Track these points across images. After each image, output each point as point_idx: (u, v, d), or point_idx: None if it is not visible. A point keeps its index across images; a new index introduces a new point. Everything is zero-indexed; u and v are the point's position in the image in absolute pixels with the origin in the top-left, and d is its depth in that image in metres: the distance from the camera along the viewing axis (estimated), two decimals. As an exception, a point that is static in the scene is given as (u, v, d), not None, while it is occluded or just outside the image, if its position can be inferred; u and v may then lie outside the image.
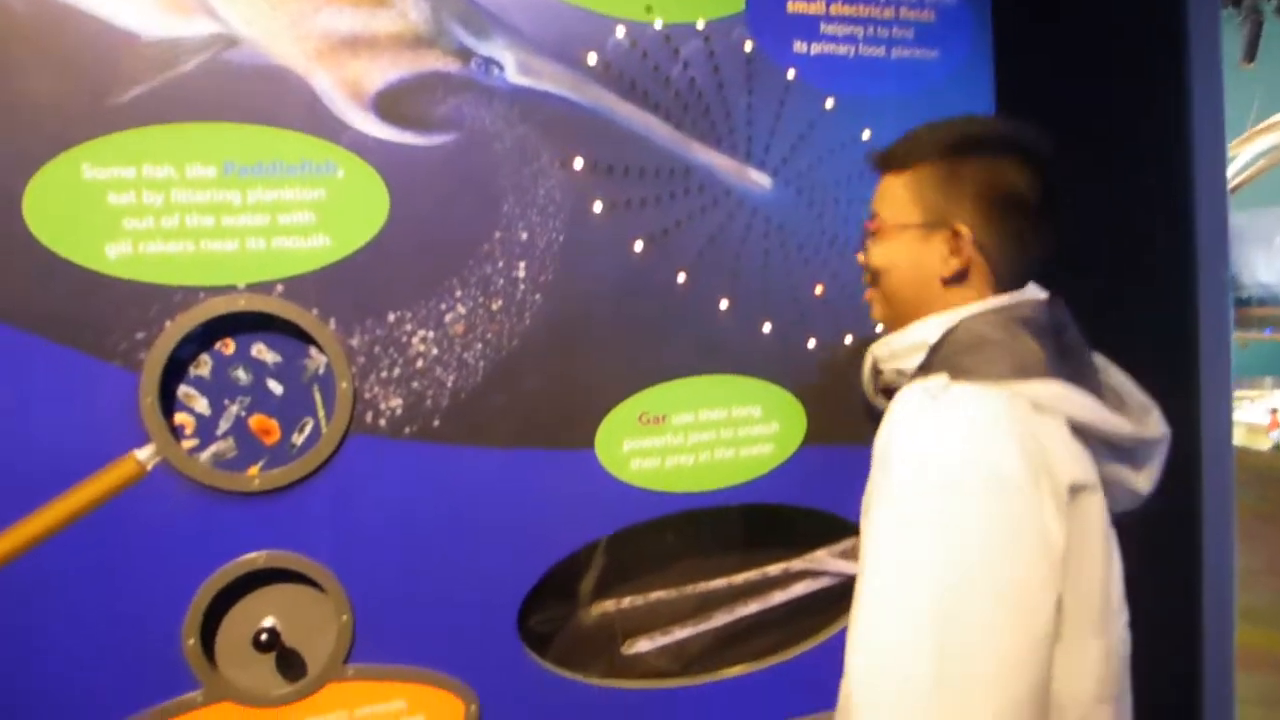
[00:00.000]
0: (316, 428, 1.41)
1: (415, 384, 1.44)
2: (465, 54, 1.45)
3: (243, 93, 1.35)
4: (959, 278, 1.12)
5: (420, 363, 1.44)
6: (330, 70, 1.39)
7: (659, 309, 1.58)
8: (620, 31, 1.54)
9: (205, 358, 1.36)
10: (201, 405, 1.36)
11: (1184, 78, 1.86)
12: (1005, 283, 1.13)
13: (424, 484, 1.45)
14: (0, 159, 1.25)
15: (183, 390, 1.35)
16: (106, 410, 1.31)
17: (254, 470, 1.38)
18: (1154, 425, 1.11)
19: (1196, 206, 1.86)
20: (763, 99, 1.64)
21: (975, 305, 1.10)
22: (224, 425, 1.37)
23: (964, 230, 1.10)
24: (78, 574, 1.31)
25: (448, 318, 1.45)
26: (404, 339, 1.43)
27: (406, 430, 1.44)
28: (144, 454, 1.32)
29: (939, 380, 1.03)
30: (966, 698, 0.87)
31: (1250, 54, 5.06)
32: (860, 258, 1.27)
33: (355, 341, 1.41)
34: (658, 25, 1.56)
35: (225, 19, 1.34)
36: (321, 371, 1.41)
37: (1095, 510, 0.99)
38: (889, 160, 1.21)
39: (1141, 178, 1.93)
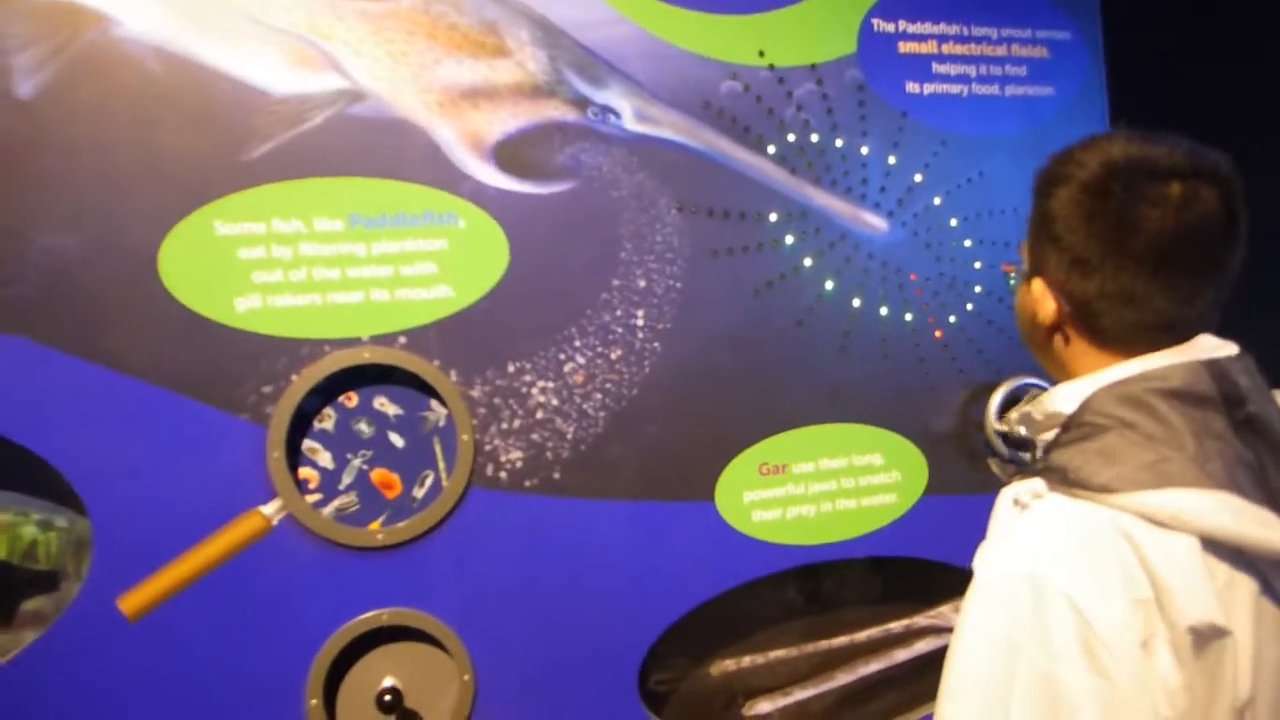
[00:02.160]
0: (437, 480, 1.39)
1: (535, 435, 1.42)
2: (583, 103, 1.45)
3: (367, 146, 1.36)
4: (1059, 330, 0.93)
5: (540, 413, 1.42)
6: (451, 122, 1.39)
7: (777, 356, 1.54)
8: (734, 76, 1.52)
9: (329, 411, 1.36)
10: (325, 459, 1.35)
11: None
12: (1126, 335, 0.90)
13: (544, 538, 1.41)
14: (138, 215, 1.27)
15: (307, 444, 1.35)
16: (235, 463, 1.30)
17: (376, 525, 1.36)
18: None
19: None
20: (877, 140, 1.61)
21: (1117, 370, 0.89)
22: (347, 479, 1.36)
23: (1040, 283, 0.92)
24: (204, 628, 1.29)
25: (567, 367, 1.43)
26: (524, 389, 1.41)
27: (527, 483, 1.41)
28: (270, 509, 1.31)
29: (1032, 487, 0.86)
30: None
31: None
32: None
33: (476, 393, 1.39)
34: (771, 68, 1.55)
35: (351, 74, 1.35)
36: (442, 424, 1.39)
37: (1234, 655, 0.78)
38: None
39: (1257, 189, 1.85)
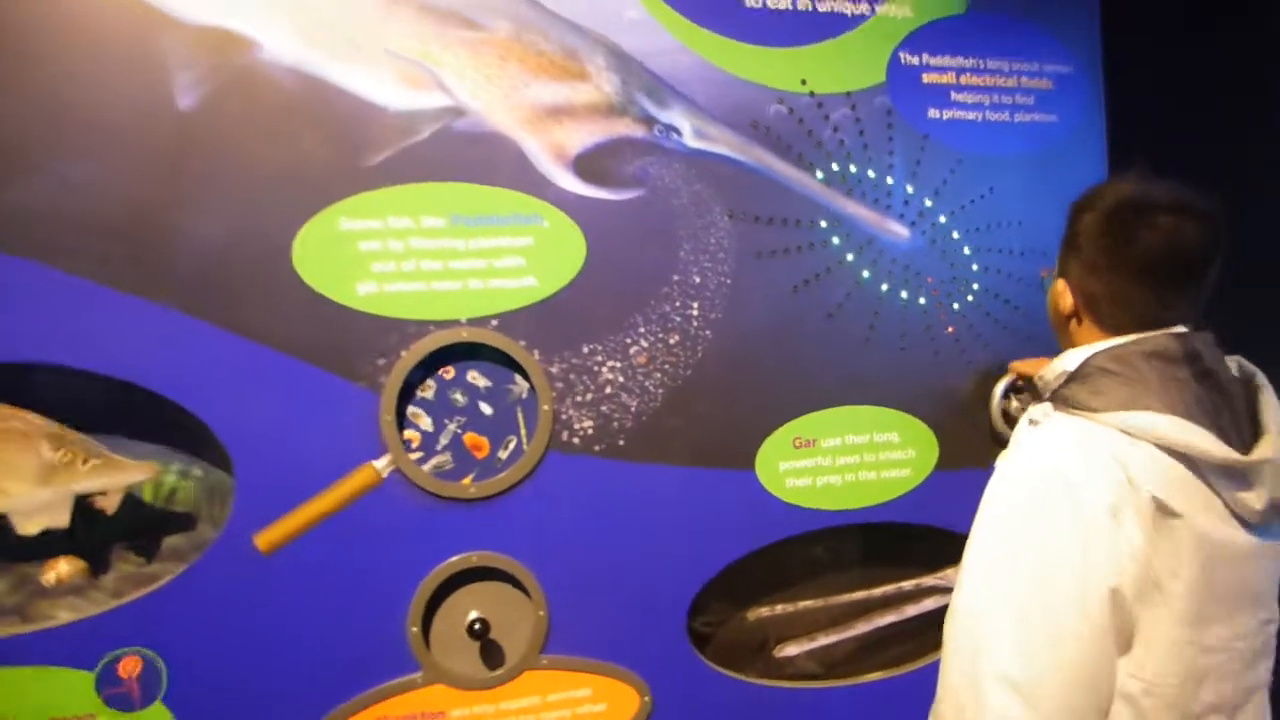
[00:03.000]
0: (519, 445, 1.61)
1: (604, 407, 1.64)
2: (650, 121, 1.67)
3: (467, 155, 1.58)
4: (1075, 317, 1.25)
5: (609, 389, 1.64)
6: (538, 136, 1.62)
7: (811, 345, 1.76)
8: (779, 101, 1.75)
9: (430, 381, 1.58)
10: (426, 423, 1.58)
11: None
12: (1120, 324, 1.20)
13: (610, 496, 1.64)
14: (276, 211, 1.50)
15: (411, 410, 1.57)
16: (352, 424, 1.53)
17: (467, 481, 1.59)
18: (1266, 449, 1.16)
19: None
20: (902, 158, 1.83)
21: (1110, 341, 1.20)
22: (443, 441, 1.59)
23: (1063, 282, 1.25)
24: (324, 564, 1.52)
25: (632, 350, 1.66)
26: (595, 368, 1.64)
27: (596, 448, 1.64)
28: (381, 464, 1.54)
29: (1043, 409, 1.19)
30: (1033, 651, 1.02)
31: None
32: None
33: (555, 369, 1.62)
34: (811, 95, 1.77)
35: (454, 93, 1.58)
36: (525, 396, 1.62)
37: (1187, 535, 1.08)
38: None
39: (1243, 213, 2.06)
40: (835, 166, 1.79)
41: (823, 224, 1.77)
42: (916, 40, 1.86)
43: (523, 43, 1.61)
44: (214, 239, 1.47)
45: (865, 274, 1.80)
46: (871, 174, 1.81)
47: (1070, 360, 1.23)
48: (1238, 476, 1.15)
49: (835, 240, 1.79)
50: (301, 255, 1.50)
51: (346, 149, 1.53)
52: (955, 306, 1.86)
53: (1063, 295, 1.25)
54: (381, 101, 1.54)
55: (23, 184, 1.40)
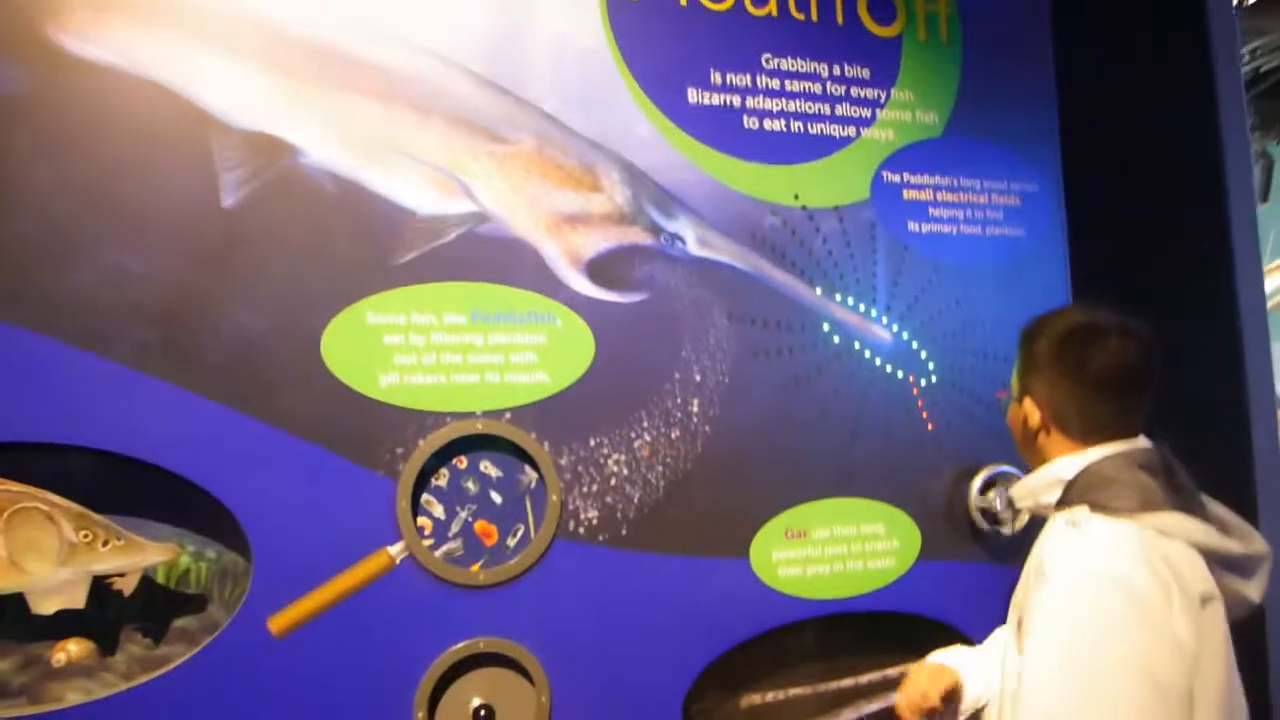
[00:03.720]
0: (526, 533, 1.68)
1: (609, 498, 1.72)
2: (657, 230, 1.80)
3: (489, 257, 1.69)
4: (1044, 430, 1.41)
5: (613, 480, 1.73)
6: (556, 241, 1.73)
7: (803, 439, 1.87)
8: (774, 213, 1.89)
9: (444, 470, 1.65)
10: (438, 510, 1.64)
11: (1225, 222, 2.17)
12: (1088, 434, 1.38)
13: (613, 584, 1.71)
14: (308, 303, 1.58)
15: (425, 497, 1.64)
16: (369, 509, 1.59)
17: (476, 567, 1.64)
18: (1258, 543, 1.35)
19: (1244, 339, 2.14)
20: (884, 267, 1.98)
21: (1090, 451, 1.36)
22: (455, 528, 1.65)
23: (1029, 400, 1.42)
24: (335, 647, 1.55)
25: (636, 443, 1.75)
26: (601, 460, 1.72)
27: (600, 537, 1.71)
28: (395, 549, 1.59)
29: (1081, 512, 1.29)
30: None
31: (1265, 194, 5.56)
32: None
33: (564, 461, 1.70)
34: (803, 208, 1.92)
35: (480, 200, 1.69)
36: (534, 486, 1.69)
37: (1219, 615, 1.25)
38: None
39: (1190, 316, 2.23)
40: (824, 274, 1.93)
41: (814, 327, 1.90)
42: (898, 160, 2.03)
43: (545, 156, 1.74)
44: (248, 329, 1.55)
45: (851, 374, 1.93)
46: (857, 281, 1.95)
47: (1064, 469, 1.38)
48: (1243, 569, 1.34)
49: (825, 342, 1.91)
50: (330, 347, 1.58)
51: (377, 248, 1.62)
52: (934, 404, 1.99)
53: (1031, 412, 1.42)
54: (412, 205, 1.65)
55: (68, 270, 1.47)
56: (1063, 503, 1.36)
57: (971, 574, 1.99)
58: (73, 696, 1.48)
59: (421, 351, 1.64)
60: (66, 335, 1.47)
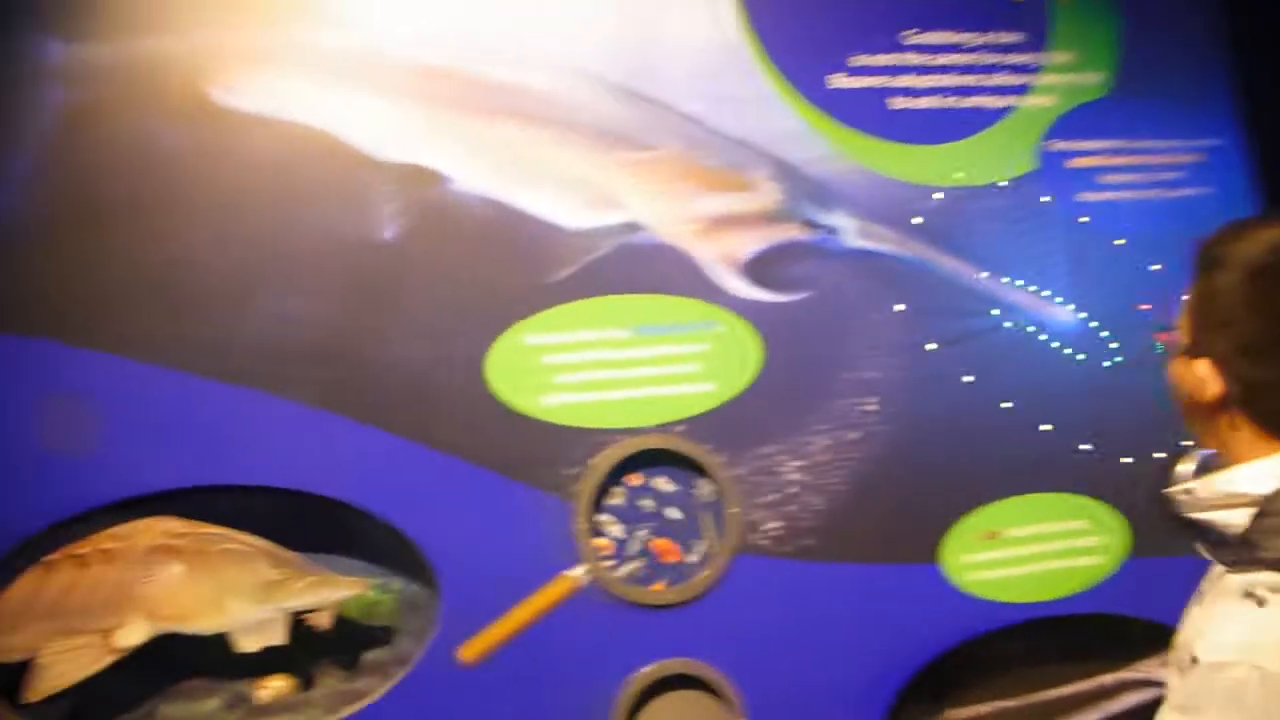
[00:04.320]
0: (708, 549, 1.62)
1: (790, 507, 1.64)
2: (812, 224, 1.72)
3: (644, 268, 1.64)
4: (1223, 410, 0.91)
5: (792, 489, 1.65)
6: (709, 245, 1.67)
7: (989, 433, 1.75)
8: (936, 196, 1.78)
9: (618, 489, 1.61)
10: (617, 530, 1.60)
11: None
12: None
13: (801, 597, 1.63)
14: (470, 330, 1.57)
15: (601, 517, 1.60)
16: (545, 533, 1.56)
17: (660, 586, 1.59)
18: None
19: None
20: (1057, 243, 1.84)
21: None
22: (634, 547, 1.60)
23: (1206, 364, 0.91)
24: (524, 676, 1.53)
25: (813, 448, 1.66)
26: (778, 468, 1.65)
27: (785, 549, 1.63)
28: (577, 573, 1.56)
29: (1268, 581, 0.82)
30: None
31: None
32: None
33: (740, 471, 1.63)
34: (964, 188, 1.80)
35: (630, 210, 1.65)
36: (711, 499, 1.63)
37: None
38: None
39: None
40: (992, 255, 1.80)
41: (988, 313, 1.78)
42: (1062, 127, 1.88)
43: (690, 159, 1.69)
44: (414, 360, 1.55)
45: (1032, 360, 1.79)
46: (1028, 260, 1.82)
47: (1249, 480, 0.87)
48: None
49: (1001, 329, 1.78)
50: (493, 371, 1.57)
51: (532, 268, 1.60)
52: (1129, 385, 1.83)
53: (1207, 382, 0.90)
54: (562, 222, 1.63)
55: (244, 319, 1.51)
56: (1248, 541, 0.85)
57: (1195, 570, 1.81)
58: (279, 734, 1.50)
59: (584, 369, 1.60)
60: (243, 379, 1.50)
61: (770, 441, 1.65)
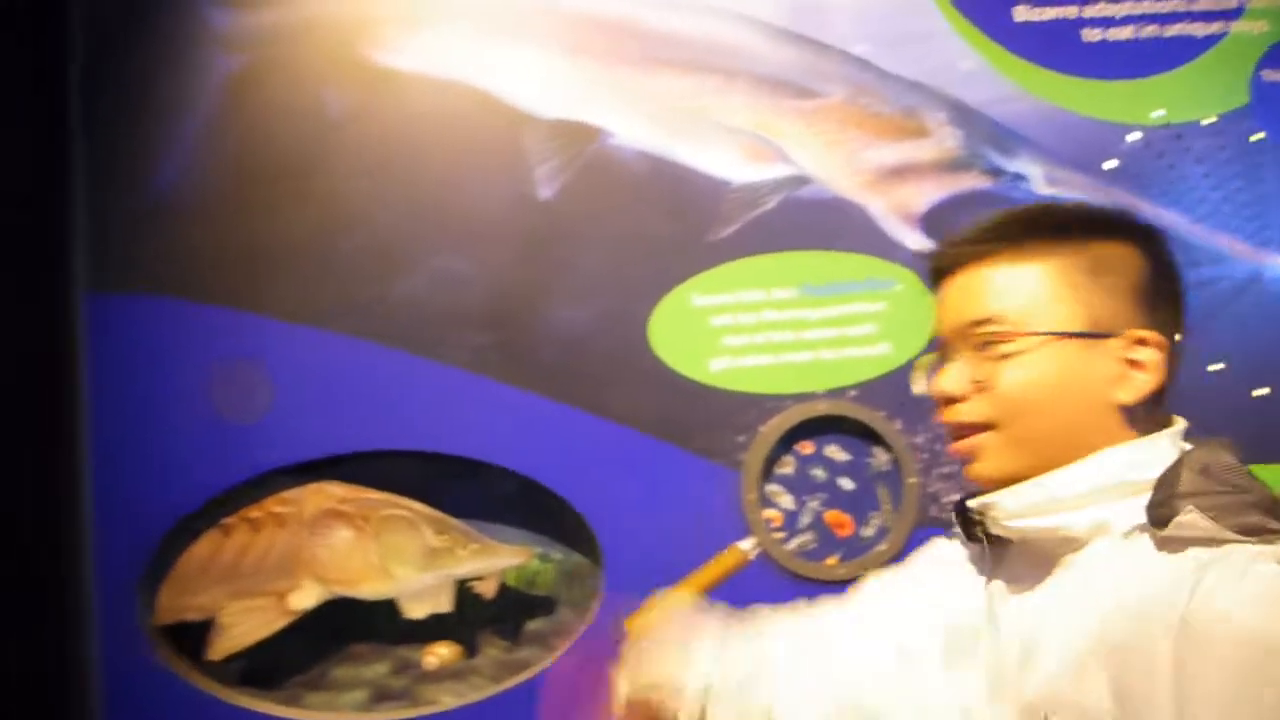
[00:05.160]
0: (884, 521, 1.52)
1: (972, 479, 1.52)
2: (996, 172, 1.57)
3: (812, 223, 1.54)
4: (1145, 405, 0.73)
5: (976, 458, 1.52)
6: (883, 198, 1.55)
7: (1206, 397, 1.56)
8: (1134, 136, 1.61)
9: (788, 458, 1.52)
10: (787, 501, 1.52)
11: None
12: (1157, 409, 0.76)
13: (985, 576, 1.50)
14: (632, 291, 1.51)
15: (770, 488, 1.51)
16: (712, 503, 1.49)
17: (833, 560, 1.50)
18: None
19: None
20: (1276, 186, 1.63)
21: (1168, 433, 0.73)
22: (805, 519, 1.51)
23: (1151, 336, 0.73)
24: (690, 653, 1.47)
25: (998, 415, 1.53)
26: (960, 436, 1.52)
27: (967, 523, 1.51)
28: (747, 545, 1.48)
29: (1228, 549, 0.64)
30: None
31: None
32: (933, 387, 0.80)
33: (918, 440, 1.52)
34: (1167, 126, 1.62)
35: (796, 162, 1.55)
36: (887, 469, 1.52)
37: None
38: (996, 242, 0.76)
39: None
40: (1202, 200, 1.61)
41: (1198, 265, 1.60)
42: (1278, 55, 1.67)
43: (859, 106, 1.57)
44: (576, 323, 1.50)
45: (1255, 315, 1.60)
46: (1244, 205, 1.62)
47: (1142, 463, 0.71)
48: None
49: (1213, 281, 1.60)
50: (657, 334, 1.50)
51: (695, 225, 1.52)
52: (1362, 348, 1.62)
53: (1149, 369, 0.72)
54: (725, 176, 1.54)
55: (405, 282, 1.49)
56: (1160, 513, 0.67)
57: None
58: (447, 699, 1.49)
59: (751, 331, 1.52)
60: (404, 343, 1.48)
61: (952, 408, 1.52)
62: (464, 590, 1.49)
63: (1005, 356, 0.72)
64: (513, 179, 1.51)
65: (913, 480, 1.50)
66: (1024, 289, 0.74)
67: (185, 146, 1.51)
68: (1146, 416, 0.73)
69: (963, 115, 1.58)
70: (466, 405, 1.49)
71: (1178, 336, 0.75)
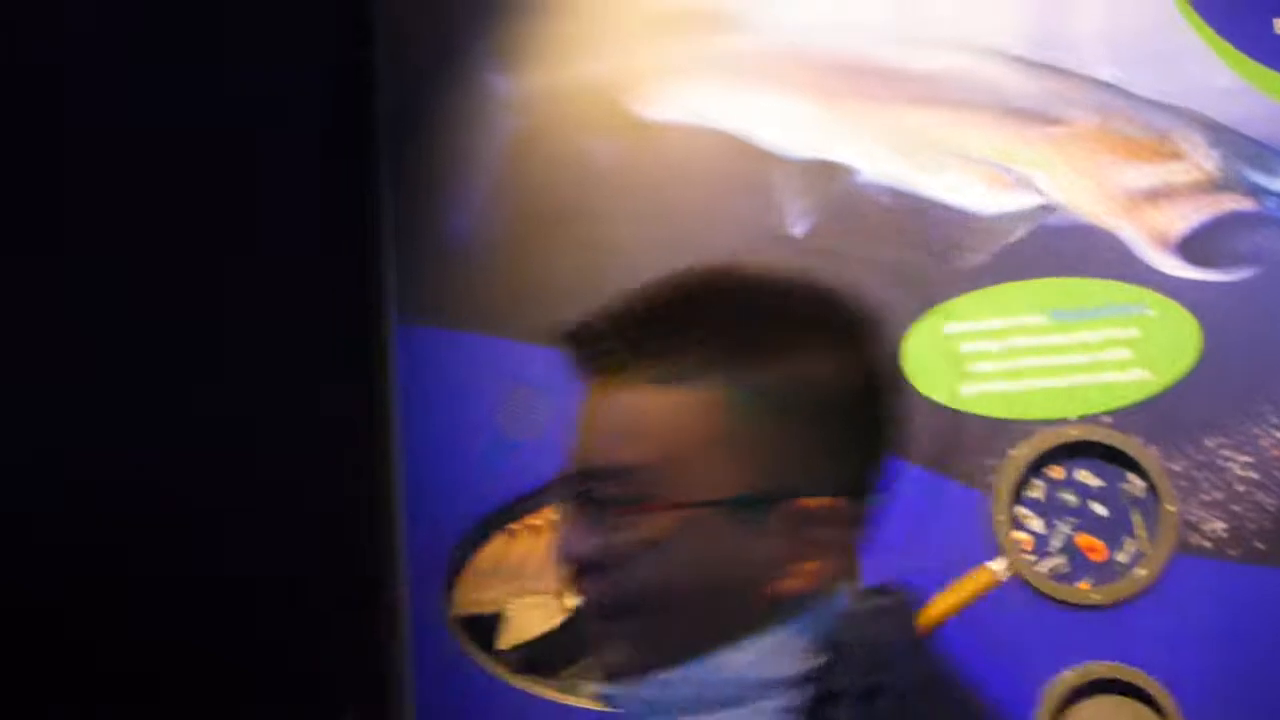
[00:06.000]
0: (1140, 547, 1.52)
1: (1235, 507, 1.50)
2: (1257, 192, 1.54)
3: (1062, 250, 1.57)
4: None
5: (1240, 486, 1.50)
6: (1135, 223, 1.56)
7: None
8: None
9: (1038, 481, 1.56)
10: (1037, 524, 1.55)
11: None
12: None
13: (1249, 606, 1.48)
14: (882, 319, 1.58)
15: (1020, 510, 1.55)
16: (961, 525, 1.55)
17: (1086, 585, 1.52)
18: None
19: None
20: None
21: (831, 606, 0.54)
22: (1056, 542, 1.55)
23: (825, 504, 0.53)
24: (940, 667, 1.53)
25: (1264, 442, 1.50)
26: (1222, 463, 1.51)
27: (1230, 552, 1.50)
28: (998, 567, 1.53)
29: None
30: None
31: None
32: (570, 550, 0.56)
33: (1176, 467, 1.51)
34: None
35: (1045, 190, 1.58)
36: (1142, 495, 1.53)
37: None
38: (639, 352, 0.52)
39: None
40: None
41: None
42: None
43: (1108, 131, 1.58)
44: (825, 351, 1.59)
45: None
46: None
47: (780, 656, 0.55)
48: None
49: None
50: (907, 360, 1.57)
51: (943, 255, 1.59)
52: None
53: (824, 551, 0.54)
54: (973, 207, 1.59)
55: (671, 315, 1.63)
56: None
57: None
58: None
59: (1001, 357, 1.56)
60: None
61: (1213, 434, 1.51)
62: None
63: (635, 526, 0.51)
64: (765, 218, 1.62)
65: (1171, 508, 1.50)
66: (674, 430, 0.51)
67: (476, 197, 1.72)
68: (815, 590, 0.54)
69: (1219, 135, 1.56)
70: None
71: (869, 498, 0.59)
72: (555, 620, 1.67)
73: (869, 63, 1.64)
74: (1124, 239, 1.55)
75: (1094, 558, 1.53)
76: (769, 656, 0.51)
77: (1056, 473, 1.55)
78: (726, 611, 0.51)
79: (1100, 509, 1.54)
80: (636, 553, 0.50)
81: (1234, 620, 1.48)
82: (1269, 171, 1.55)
